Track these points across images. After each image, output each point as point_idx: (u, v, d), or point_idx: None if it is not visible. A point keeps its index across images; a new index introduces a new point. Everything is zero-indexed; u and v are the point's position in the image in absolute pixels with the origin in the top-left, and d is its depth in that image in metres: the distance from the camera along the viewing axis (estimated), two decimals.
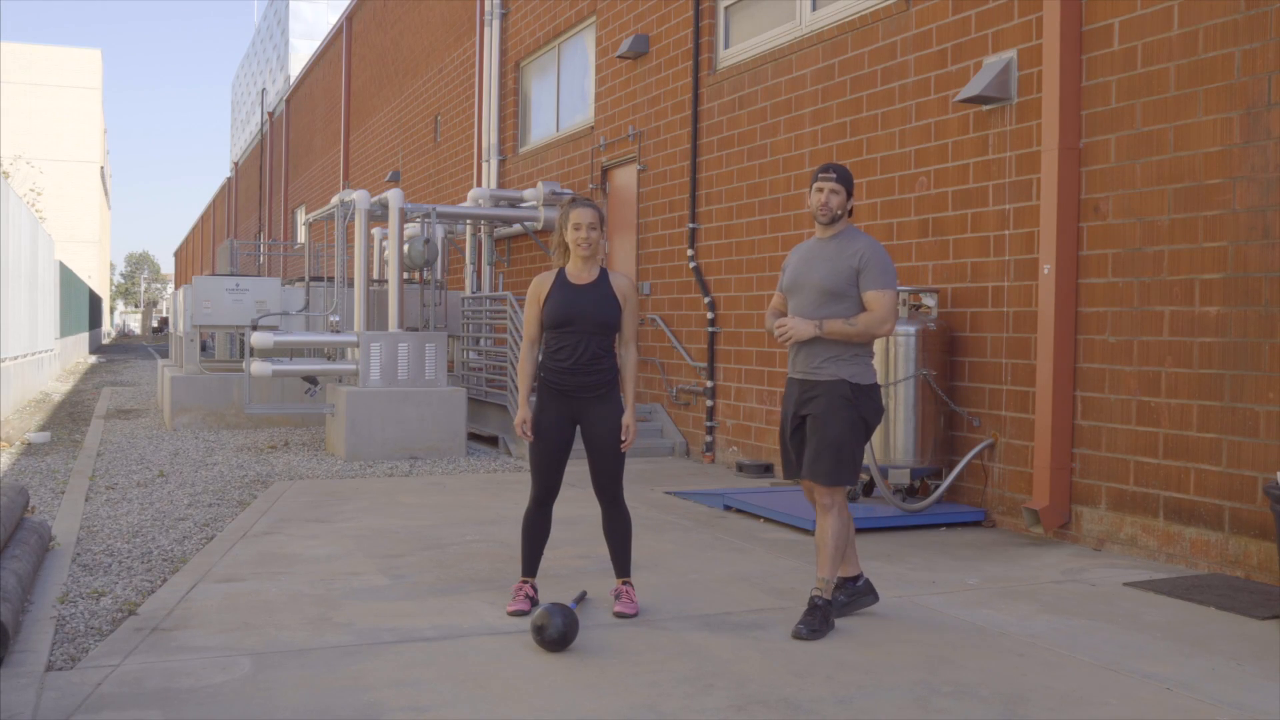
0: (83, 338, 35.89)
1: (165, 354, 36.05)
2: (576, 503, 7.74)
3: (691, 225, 11.29)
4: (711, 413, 10.98)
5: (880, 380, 7.69)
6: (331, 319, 13.53)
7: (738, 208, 10.63)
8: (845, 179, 5.05)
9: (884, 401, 7.67)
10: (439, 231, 13.57)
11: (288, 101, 38.12)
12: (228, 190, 59.21)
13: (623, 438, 5.11)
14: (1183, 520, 6.35)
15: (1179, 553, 6.37)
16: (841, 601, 5.17)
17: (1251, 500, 5.99)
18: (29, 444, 11.88)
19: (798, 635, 4.82)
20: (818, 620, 4.88)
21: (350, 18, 27.79)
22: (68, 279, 28.17)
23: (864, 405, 5.01)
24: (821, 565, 5.00)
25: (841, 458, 4.94)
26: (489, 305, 13.25)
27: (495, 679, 4.25)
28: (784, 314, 5.24)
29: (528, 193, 14.17)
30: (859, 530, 7.10)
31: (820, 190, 5.03)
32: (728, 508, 8.20)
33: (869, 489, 8.07)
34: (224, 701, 3.97)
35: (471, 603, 5.37)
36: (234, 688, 4.12)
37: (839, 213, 5.05)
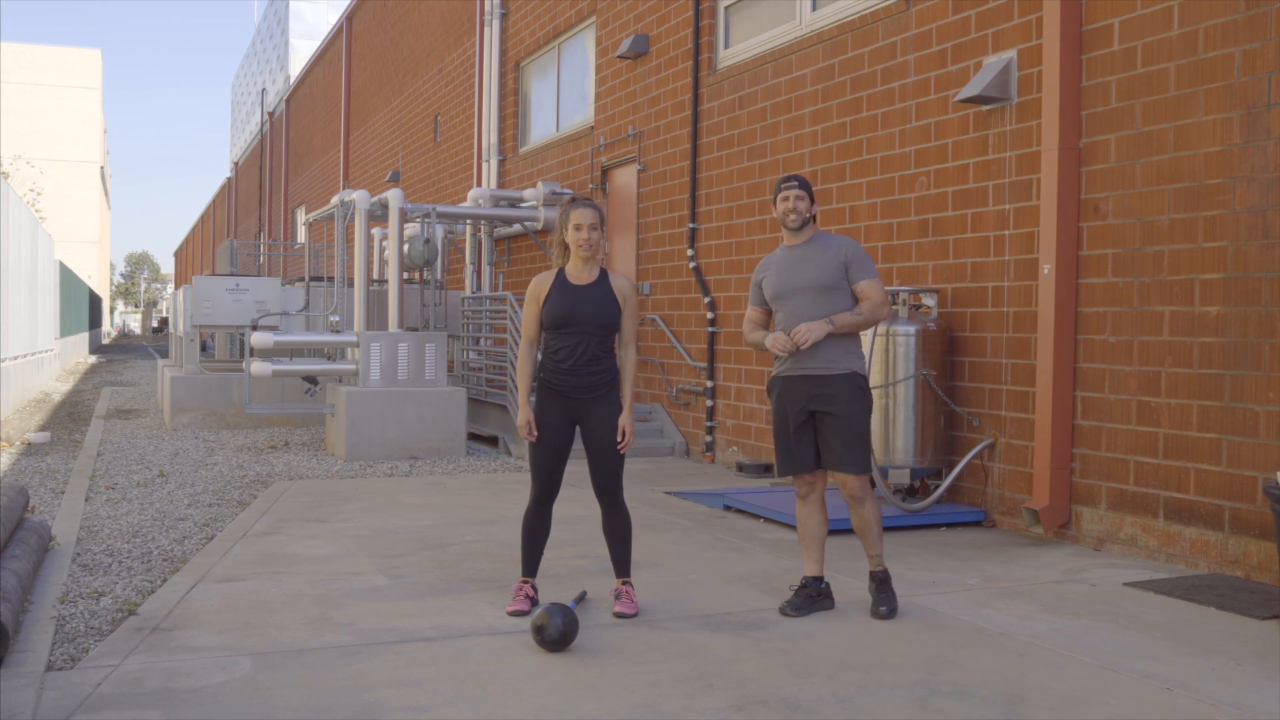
0: (83, 338, 35.89)
1: (165, 354, 36.05)
2: (576, 503, 7.74)
3: (691, 225, 11.29)
4: (711, 413, 10.98)
5: (880, 380, 7.71)
6: (331, 319, 13.54)
7: (738, 208, 10.63)
8: (806, 186, 5.37)
9: (884, 401, 7.73)
10: (439, 231, 13.57)
11: (288, 101, 38.12)
12: (228, 190, 59.21)
13: (619, 439, 5.11)
14: (1183, 520, 6.35)
15: (1179, 553, 6.37)
16: (805, 600, 5.28)
17: (1251, 500, 5.99)
18: (29, 444, 11.88)
19: (880, 616, 5.14)
20: (890, 595, 5.25)
21: (350, 18, 27.79)
22: (68, 279, 28.17)
23: (869, 395, 5.33)
24: (870, 544, 5.33)
25: (867, 446, 5.26)
26: (489, 305, 13.25)
27: (495, 679, 4.25)
28: (764, 326, 5.50)
29: (528, 193, 14.17)
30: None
31: (786, 198, 5.33)
32: (728, 508, 8.20)
33: None
34: (224, 701, 3.97)
35: (471, 603, 5.37)
36: (234, 688, 4.12)
37: (807, 216, 5.35)
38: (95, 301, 47.33)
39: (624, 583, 5.27)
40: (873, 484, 7.90)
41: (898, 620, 5.17)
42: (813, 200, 5.36)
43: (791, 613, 5.19)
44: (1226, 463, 6.13)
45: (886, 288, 7.94)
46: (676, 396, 11.57)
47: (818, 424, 5.26)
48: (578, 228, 5.08)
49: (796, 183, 5.32)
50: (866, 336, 7.59)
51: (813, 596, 5.30)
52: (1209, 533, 6.21)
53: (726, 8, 11.13)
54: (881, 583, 5.30)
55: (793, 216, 5.30)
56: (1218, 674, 4.43)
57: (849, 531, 6.96)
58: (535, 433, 5.15)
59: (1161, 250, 6.51)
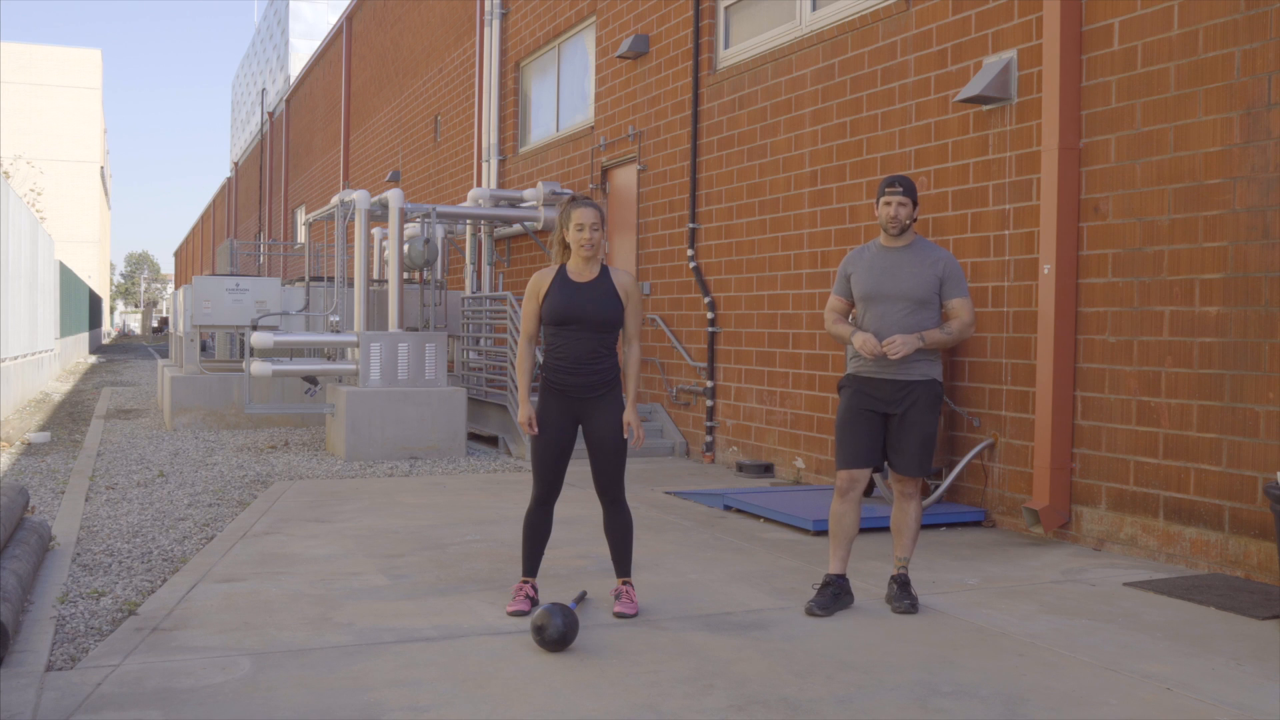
0: (83, 338, 35.89)
1: (165, 354, 36.05)
2: (577, 503, 7.74)
3: (691, 225, 11.29)
4: (711, 413, 10.98)
5: None
6: (331, 319, 13.54)
7: (738, 208, 10.63)
8: (911, 190, 5.31)
9: None
10: (439, 231, 13.57)
11: (288, 101, 38.12)
12: (228, 190, 59.21)
13: (626, 435, 5.10)
14: (1183, 520, 6.35)
15: (1179, 553, 6.37)
16: (830, 598, 5.26)
17: (1251, 500, 5.99)
18: (29, 444, 11.88)
19: (905, 611, 5.22)
20: (911, 594, 5.34)
21: (350, 18, 27.79)
22: (68, 279, 28.17)
23: (941, 401, 5.46)
24: (904, 546, 5.43)
25: (931, 451, 5.40)
26: (489, 305, 13.25)
27: (495, 679, 4.25)
28: (846, 317, 5.52)
29: (528, 193, 14.17)
30: (860, 530, 7.10)
31: (889, 204, 5.29)
32: (728, 508, 8.20)
33: (869, 489, 8.07)
34: (224, 701, 3.97)
35: (471, 603, 5.37)
36: (234, 688, 4.12)
37: (908, 223, 5.32)
38: (95, 301, 47.33)
39: (624, 583, 5.26)
40: (870, 490, 7.97)
41: (898, 620, 5.17)
42: (915, 204, 5.32)
43: (819, 612, 5.17)
44: (1226, 463, 6.13)
45: None
46: (676, 396, 11.57)
47: (891, 426, 5.33)
48: (579, 227, 5.06)
49: (901, 188, 5.26)
50: None
51: (836, 595, 5.28)
52: (1209, 533, 6.21)
53: (726, 8, 11.13)
54: (903, 586, 5.39)
55: (893, 225, 5.29)
56: (1218, 674, 4.43)
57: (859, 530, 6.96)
58: (537, 427, 5.14)
59: (1161, 250, 6.51)
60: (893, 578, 5.44)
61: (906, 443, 5.31)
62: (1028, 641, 4.84)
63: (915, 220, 5.37)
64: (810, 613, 5.19)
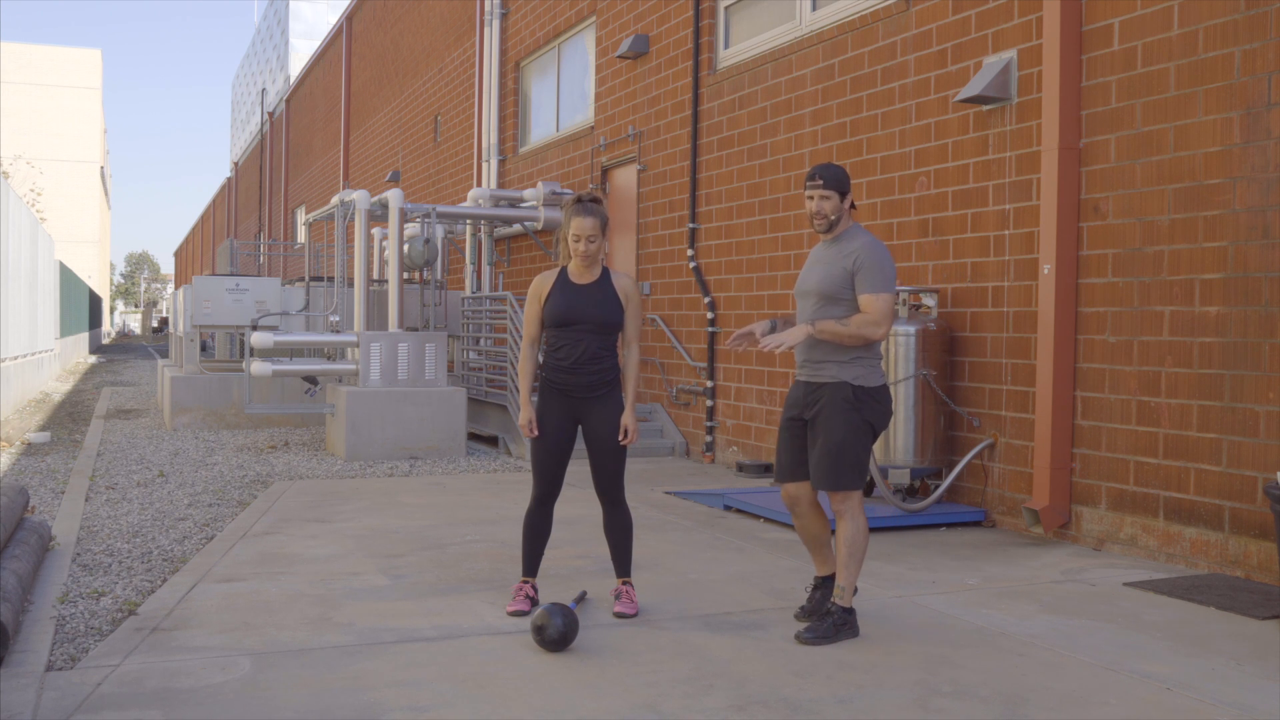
0: (83, 338, 35.89)
1: (165, 354, 36.05)
2: (576, 503, 7.74)
3: (691, 225, 11.30)
4: (711, 413, 10.98)
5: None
6: (331, 319, 13.54)
7: (738, 208, 10.63)
8: (834, 181, 4.84)
9: None
10: (439, 231, 13.57)
11: (288, 101, 38.12)
12: (228, 190, 59.22)
13: (621, 436, 5.10)
14: (1183, 520, 6.35)
15: (1179, 553, 6.37)
16: (817, 602, 5.12)
17: (1251, 500, 5.99)
18: (29, 444, 11.88)
19: (799, 639, 4.74)
20: (825, 628, 4.75)
21: (350, 18, 27.79)
22: (68, 279, 28.17)
23: (867, 408, 4.84)
24: (839, 569, 4.87)
25: (843, 462, 4.80)
26: (489, 305, 13.25)
27: (495, 679, 4.25)
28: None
29: (528, 193, 14.17)
30: None
31: (811, 198, 4.87)
32: (728, 508, 8.20)
33: (869, 489, 8.07)
34: (224, 701, 3.97)
35: (471, 603, 5.37)
36: (234, 688, 4.12)
37: (833, 217, 4.87)
38: (95, 301, 47.33)
39: (624, 583, 5.26)
40: (870, 490, 7.93)
41: (898, 620, 5.17)
42: (844, 194, 4.84)
43: (803, 617, 5.07)
44: (1226, 463, 6.13)
45: None
46: (676, 396, 11.57)
47: (808, 433, 4.94)
48: (576, 239, 5.06)
49: (821, 180, 4.80)
50: None
51: (826, 597, 5.11)
52: (1209, 533, 6.21)
53: (726, 8, 11.13)
54: (827, 614, 4.82)
55: (818, 220, 4.89)
56: (1218, 674, 4.43)
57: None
58: (537, 430, 5.14)
59: (1161, 250, 6.51)
60: (818, 582, 5.12)
61: (812, 454, 4.84)
62: (1028, 641, 4.84)
63: (853, 206, 4.94)
64: (798, 618, 5.12)
